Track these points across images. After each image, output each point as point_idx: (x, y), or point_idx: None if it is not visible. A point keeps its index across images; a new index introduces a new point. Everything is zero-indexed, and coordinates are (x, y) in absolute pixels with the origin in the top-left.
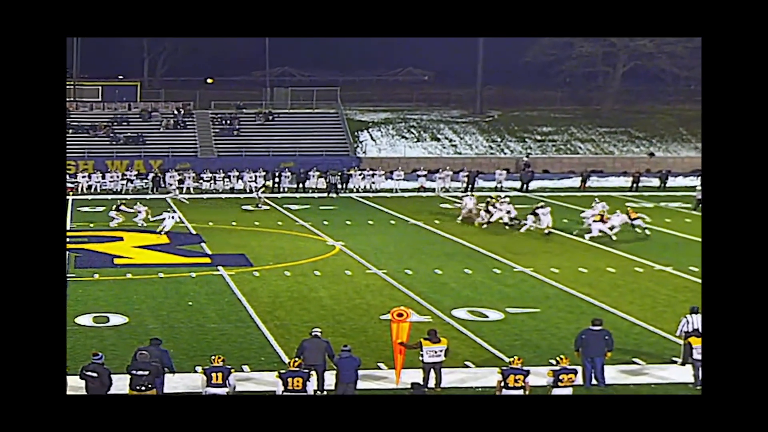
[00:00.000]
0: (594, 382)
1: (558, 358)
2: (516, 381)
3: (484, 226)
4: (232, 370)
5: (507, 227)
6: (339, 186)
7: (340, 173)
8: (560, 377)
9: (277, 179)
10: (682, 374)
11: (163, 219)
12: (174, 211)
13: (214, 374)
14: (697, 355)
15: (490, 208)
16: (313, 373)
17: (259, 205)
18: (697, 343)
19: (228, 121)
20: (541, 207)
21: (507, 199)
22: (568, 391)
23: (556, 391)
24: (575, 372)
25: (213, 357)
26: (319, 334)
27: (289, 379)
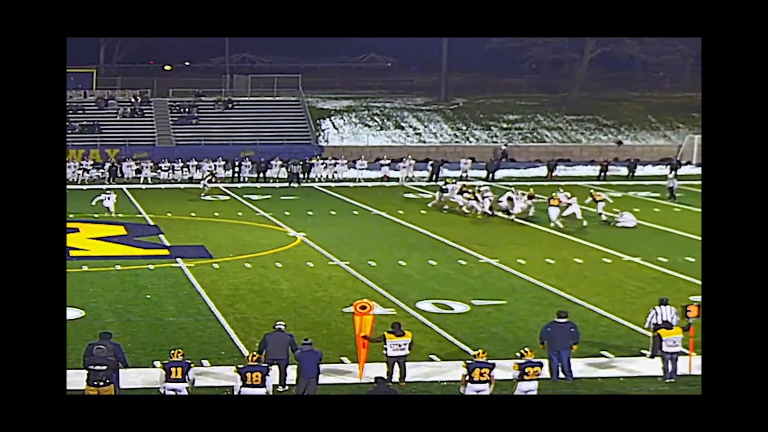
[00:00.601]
0: (561, 375)
1: (522, 351)
2: (482, 375)
3: (468, 212)
4: (192, 365)
5: (484, 216)
6: (300, 175)
7: (301, 162)
8: (526, 370)
9: (237, 169)
10: (650, 367)
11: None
12: (110, 193)
13: (173, 369)
14: (666, 347)
15: (477, 195)
16: (275, 367)
17: (206, 195)
18: (666, 335)
19: (186, 109)
20: (514, 192)
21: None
22: (534, 385)
23: (521, 385)
24: (541, 365)
25: (172, 351)
26: (282, 327)
27: (248, 374)
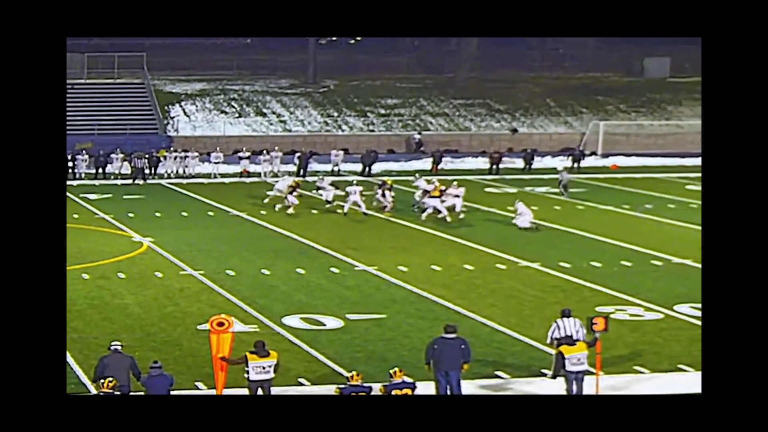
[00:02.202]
0: None
1: (392, 371)
2: None
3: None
4: None
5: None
6: (146, 171)
7: (147, 156)
8: (393, 393)
9: (71, 163)
10: (552, 389)
11: None
12: None
13: None
14: (570, 366)
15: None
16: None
17: None
18: (569, 352)
19: None
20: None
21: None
22: None
23: None
24: (412, 387)
25: None
26: (119, 347)
27: None
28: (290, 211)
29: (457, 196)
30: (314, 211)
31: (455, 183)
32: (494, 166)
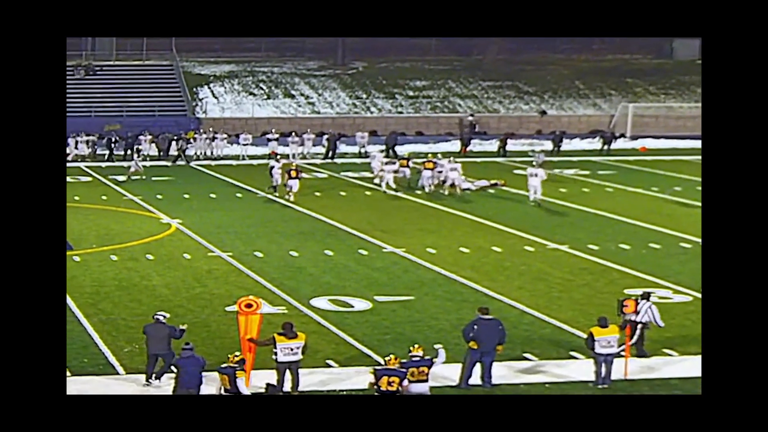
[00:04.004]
0: (474, 381)
1: (411, 347)
2: (390, 384)
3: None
4: None
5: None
6: (186, 152)
7: (176, 137)
8: (410, 370)
9: (106, 145)
10: (581, 372)
11: None
12: None
13: None
14: (600, 348)
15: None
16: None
17: None
18: (600, 334)
19: None
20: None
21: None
22: (423, 388)
23: (412, 387)
24: (429, 364)
25: None
26: (161, 318)
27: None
28: (288, 197)
29: (454, 169)
30: (342, 193)
31: (451, 158)
32: (501, 150)
